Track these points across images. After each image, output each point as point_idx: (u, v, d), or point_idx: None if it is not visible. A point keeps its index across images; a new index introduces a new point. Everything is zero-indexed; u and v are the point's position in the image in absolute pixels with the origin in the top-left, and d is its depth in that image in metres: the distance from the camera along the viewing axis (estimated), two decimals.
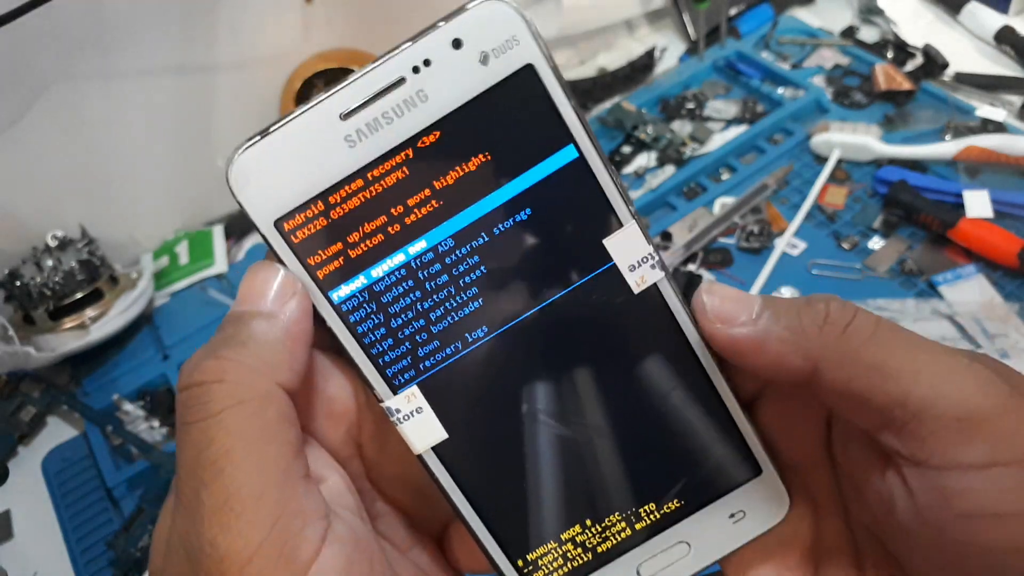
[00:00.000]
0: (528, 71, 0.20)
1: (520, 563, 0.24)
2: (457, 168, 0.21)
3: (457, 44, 0.20)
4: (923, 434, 0.19)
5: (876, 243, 0.60)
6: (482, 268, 0.22)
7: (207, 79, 0.65)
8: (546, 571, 0.24)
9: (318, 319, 0.21)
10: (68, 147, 0.62)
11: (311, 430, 0.23)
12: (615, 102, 0.75)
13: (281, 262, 0.21)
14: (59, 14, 0.53)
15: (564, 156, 0.21)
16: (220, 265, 0.66)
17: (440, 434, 0.23)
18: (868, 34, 0.79)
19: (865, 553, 0.23)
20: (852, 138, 0.66)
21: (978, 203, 0.60)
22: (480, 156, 0.21)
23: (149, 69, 0.62)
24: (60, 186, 0.63)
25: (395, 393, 0.22)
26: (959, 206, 0.60)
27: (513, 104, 0.20)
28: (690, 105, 0.74)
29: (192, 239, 0.69)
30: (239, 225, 0.70)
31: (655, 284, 0.22)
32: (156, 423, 0.56)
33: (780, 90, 0.74)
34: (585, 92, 0.77)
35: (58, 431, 0.58)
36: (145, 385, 0.59)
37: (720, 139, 0.71)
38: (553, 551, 0.24)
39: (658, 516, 0.24)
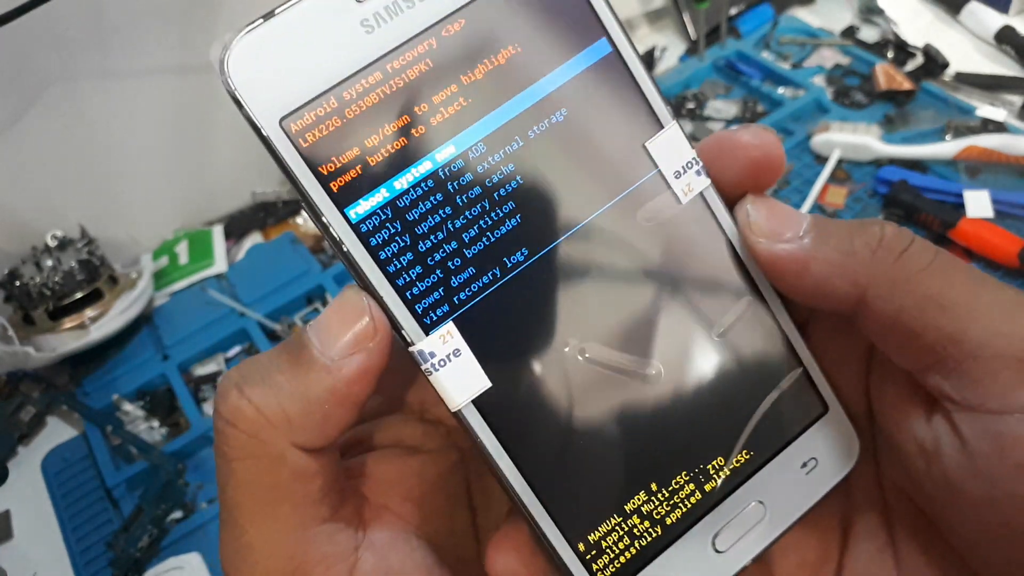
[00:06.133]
0: None
1: (581, 547, 0.20)
2: (485, 62, 0.19)
3: None
4: (979, 374, 0.17)
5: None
6: (518, 179, 0.19)
7: (207, 79, 0.65)
8: (612, 554, 0.20)
9: (333, 245, 0.18)
10: (68, 147, 0.62)
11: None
12: None
13: (286, 170, 0.18)
14: (59, 14, 0.53)
15: (598, 50, 0.20)
16: (220, 265, 0.66)
17: (482, 382, 0.19)
18: (868, 34, 0.79)
19: (896, 516, 0.21)
20: (852, 138, 0.65)
21: (978, 203, 0.60)
22: (509, 48, 0.19)
23: (149, 69, 0.62)
24: (60, 186, 0.63)
25: (427, 333, 0.19)
26: (959, 206, 0.60)
27: None
28: (690, 105, 0.74)
29: (192, 239, 0.69)
30: (239, 225, 0.70)
31: (701, 193, 0.20)
32: (156, 423, 0.56)
33: (780, 90, 0.74)
34: None
35: (58, 431, 0.58)
36: (145, 385, 0.59)
37: None
38: (618, 528, 0.20)
39: (728, 472, 0.21)
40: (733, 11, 0.81)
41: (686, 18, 0.81)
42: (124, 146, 0.64)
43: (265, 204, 0.71)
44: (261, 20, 0.17)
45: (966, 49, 0.76)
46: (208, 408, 0.58)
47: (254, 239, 0.70)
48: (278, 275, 0.64)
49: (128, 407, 0.56)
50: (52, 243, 0.60)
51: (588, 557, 0.20)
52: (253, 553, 0.19)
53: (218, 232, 0.69)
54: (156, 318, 0.63)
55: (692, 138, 0.73)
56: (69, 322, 0.58)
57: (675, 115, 0.20)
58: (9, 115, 0.58)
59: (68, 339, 0.58)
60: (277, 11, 0.18)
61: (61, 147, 0.61)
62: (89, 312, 0.59)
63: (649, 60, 0.79)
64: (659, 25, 0.85)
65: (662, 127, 0.20)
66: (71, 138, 0.61)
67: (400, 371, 0.19)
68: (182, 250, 0.68)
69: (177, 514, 0.52)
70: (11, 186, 0.61)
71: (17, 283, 0.58)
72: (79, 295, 0.59)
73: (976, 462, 0.18)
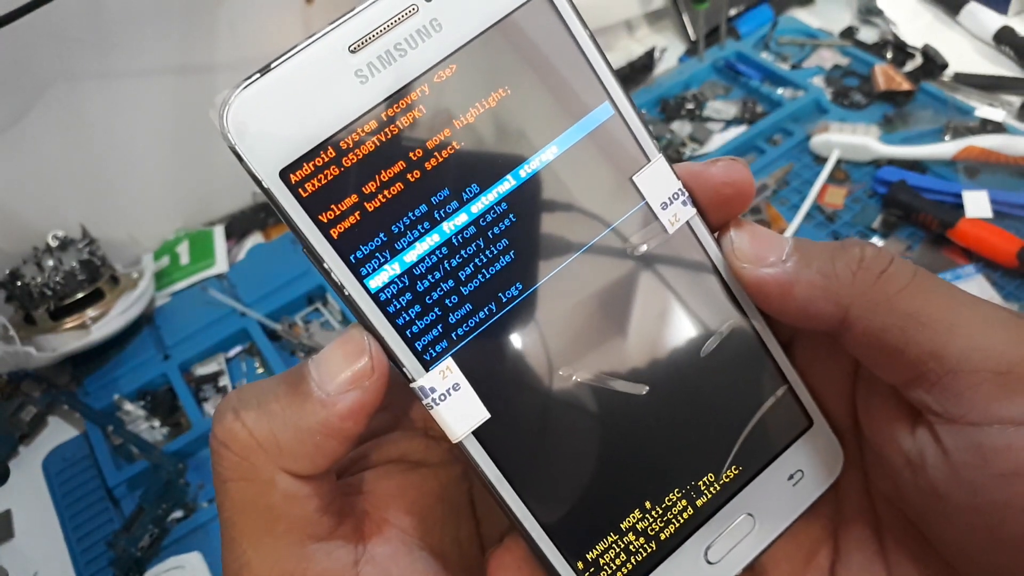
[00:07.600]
0: (542, 2, 0.20)
1: (580, 565, 0.21)
2: (476, 105, 0.19)
3: None
4: (959, 388, 0.18)
5: (875, 243, 0.61)
6: (511, 217, 0.20)
7: (207, 79, 0.66)
8: (609, 570, 0.21)
9: (335, 289, 0.19)
10: (69, 147, 0.62)
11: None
12: None
13: (287, 219, 0.18)
14: (59, 14, 0.53)
15: (590, 100, 0.20)
16: (221, 265, 0.66)
17: (481, 414, 0.20)
18: (867, 35, 0.79)
19: (885, 525, 0.22)
20: (851, 138, 0.66)
21: (977, 203, 0.60)
22: (500, 91, 0.19)
23: (149, 69, 0.62)
24: (61, 186, 0.63)
25: (427, 369, 0.19)
26: (958, 206, 0.60)
27: (531, 35, 0.20)
28: (690, 105, 0.74)
29: (193, 239, 0.69)
30: (240, 225, 0.71)
31: (688, 222, 0.21)
32: (157, 423, 0.57)
33: (779, 90, 0.74)
34: None
35: (59, 431, 0.59)
36: (146, 385, 0.59)
37: (720, 140, 0.71)
38: (615, 545, 0.21)
39: (718, 488, 0.22)
40: (732, 12, 0.81)
41: (686, 19, 0.81)
42: (125, 146, 0.64)
43: (266, 204, 0.71)
44: (258, 75, 0.18)
45: (965, 49, 0.76)
46: (209, 408, 0.58)
47: (255, 239, 0.70)
48: (279, 275, 0.64)
49: (129, 407, 0.56)
50: (53, 243, 0.60)
51: (587, 574, 0.21)
52: (251, 571, 0.19)
53: (219, 232, 0.69)
54: (157, 318, 0.64)
55: (692, 139, 0.73)
56: (70, 322, 0.59)
57: (660, 148, 0.21)
58: (9, 115, 0.58)
59: (69, 339, 0.58)
60: (273, 65, 0.18)
61: (62, 147, 0.61)
62: (90, 312, 0.59)
63: (649, 61, 0.79)
64: (659, 25, 0.85)
65: (649, 160, 0.21)
66: (72, 138, 0.62)
67: (404, 389, 0.20)
68: (183, 250, 0.68)
69: (178, 513, 0.52)
70: (12, 186, 0.61)
71: (18, 283, 0.58)
72: (80, 295, 0.59)
73: (959, 472, 0.18)
